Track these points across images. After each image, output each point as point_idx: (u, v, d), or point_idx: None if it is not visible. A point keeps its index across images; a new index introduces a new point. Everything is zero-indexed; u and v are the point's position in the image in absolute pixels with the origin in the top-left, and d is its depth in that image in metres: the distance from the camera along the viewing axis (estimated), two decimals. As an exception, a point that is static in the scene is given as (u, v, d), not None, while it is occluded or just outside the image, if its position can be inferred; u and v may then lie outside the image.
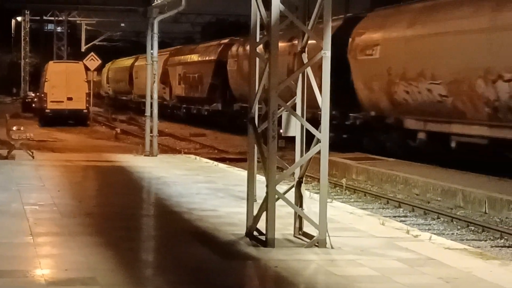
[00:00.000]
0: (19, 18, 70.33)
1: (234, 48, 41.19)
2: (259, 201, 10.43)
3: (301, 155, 10.40)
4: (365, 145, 26.33)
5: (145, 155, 23.15)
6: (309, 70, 10.37)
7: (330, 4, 9.94)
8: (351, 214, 13.03)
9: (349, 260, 9.37)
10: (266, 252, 9.66)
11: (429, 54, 22.59)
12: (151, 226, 12.22)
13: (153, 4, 23.47)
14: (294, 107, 10.48)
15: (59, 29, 71.74)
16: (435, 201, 18.30)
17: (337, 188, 20.14)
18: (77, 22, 71.08)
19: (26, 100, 55.12)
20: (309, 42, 10.58)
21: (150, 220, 12.68)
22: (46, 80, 42.01)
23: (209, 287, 8.25)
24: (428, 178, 19.40)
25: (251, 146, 10.72)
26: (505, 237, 14.21)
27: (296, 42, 11.48)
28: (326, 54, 10.02)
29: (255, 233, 10.35)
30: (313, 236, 10.05)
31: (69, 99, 41.36)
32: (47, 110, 41.67)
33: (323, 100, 9.97)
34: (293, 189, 10.55)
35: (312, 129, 10.07)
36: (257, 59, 10.83)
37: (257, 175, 11.57)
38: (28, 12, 65.56)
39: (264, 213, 9.98)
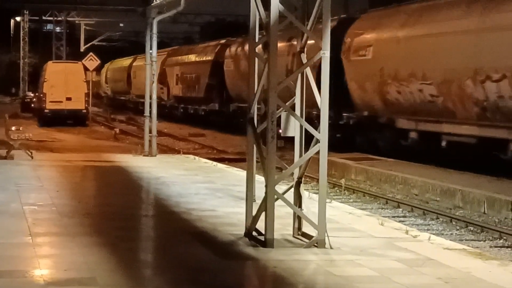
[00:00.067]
0: (18, 18, 70.32)
1: (230, 49, 41.42)
2: (258, 201, 10.43)
3: (300, 155, 10.40)
4: (358, 145, 26.64)
5: (144, 155, 23.15)
6: (308, 70, 10.37)
7: (329, 5, 9.94)
8: (350, 214, 13.03)
9: (348, 260, 9.37)
10: (265, 252, 9.66)
11: (420, 55, 22.94)
12: (150, 226, 12.22)
13: (152, 4, 23.46)
14: (293, 107, 10.47)
15: (58, 29, 71.73)
16: (434, 201, 18.30)
17: (336, 188, 20.14)
18: (76, 22, 71.10)
19: (25, 100, 55.11)
20: (308, 42, 10.59)
21: (149, 220, 12.68)
22: (45, 80, 42.00)
23: (208, 287, 8.25)
24: (427, 178, 19.40)
25: (250, 146, 10.72)
26: (504, 237, 14.22)
27: (295, 42, 11.48)
28: (325, 54, 10.01)
29: (254, 233, 10.34)
30: (312, 236, 10.05)
31: (68, 99, 41.36)
32: (46, 110, 41.66)
33: (322, 100, 9.97)
34: (292, 189, 10.55)
35: (311, 129, 10.07)
36: (256, 59, 10.82)
37: (256, 175, 11.57)
38: (27, 12, 65.55)
39: (263, 213, 9.98)
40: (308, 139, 10.28)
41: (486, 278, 8.61)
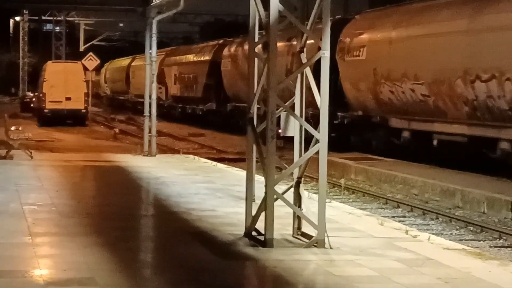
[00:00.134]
0: (17, 18, 70.28)
1: (227, 49, 41.73)
2: (258, 201, 10.42)
3: (300, 155, 10.40)
4: (353, 144, 26.88)
5: (143, 155, 23.14)
6: (308, 70, 10.37)
7: (329, 5, 9.94)
8: (350, 214, 13.03)
9: (348, 260, 9.37)
10: (265, 252, 9.66)
11: (412, 56, 23.34)
12: (150, 226, 12.22)
13: (151, 4, 23.45)
14: (292, 107, 10.47)
15: (57, 29, 71.73)
16: (433, 201, 18.30)
17: (336, 188, 20.14)
18: (76, 22, 71.03)
19: (25, 100, 55.08)
20: (307, 42, 10.58)
21: (148, 220, 12.68)
22: (45, 80, 41.98)
23: (208, 287, 8.25)
24: (427, 178, 19.40)
25: (249, 146, 10.72)
26: (504, 237, 14.22)
27: (294, 42, 11.49)
28: (325, 54, 10.01)
29: (253, 233, 10.34)
30: (312, 236, 10.04)
31: (68, 99, 41.35)
32: (45, 110, 41.65)
33: (322, 100, 9.97)
34: (292, 189, 10.55)
35: (311, 129, 10.07)
36: (256, 59, 10.81)
37: (256, 175, 11.57)
38: (27, 12, 65.51)
39: (263, 213, 9.98)
40: (308, 139, 10.27)
41: (486, 278, 8.61)
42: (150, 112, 23.50)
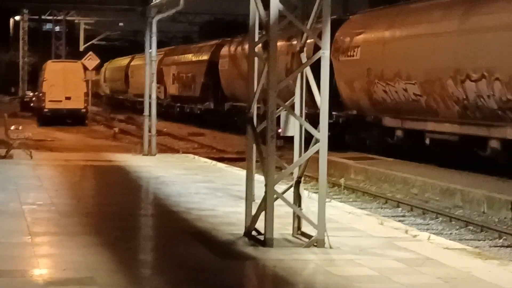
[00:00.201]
0: (17, 18, 70.20)
1: (225, 49, 42.03)
2: (258, 200, 10.42)
3: (300, 155, 10.39)
4: (348, 143, 27.08)
5: (143, 155, 23.14)
6: (308, 70, 10.36)
7: (329, 4, 9.93)
8: (350, 213, 13.02)
9: (348, 260, 9.36)
10: (265, 252, 9.65)
11: (404, 56, 23.79)
12: (150, 226, 12.21)
13: (151, 4, 23.45)
14: (292, 107, 10.46)
15: (57, 28, 71.68)
16: (433, 201, 18.29)
17: (336, 187, 20.14)
18: (76, 21, 71.08)
19: (25, 100, 55.08)
20: (307, 41, 10.57)
21: (148, 219, 12.67)
22: (45, 79, 41.98)
23: (208, 287, 8.24)
24: (426, 178, 19.40)
25: (249, 146, 10.71)
26: (504, 237, 14.22)
27: (294, 41, 11.47)
28: (325, 54, 10.01)
29: (253, 232, 10.34)
30: (312, 236, 10.04)
31: (68, 98, 41.35)
32: (45, 110, 41.64)
33: (322, 99, 9.97)
34: (292, 188, 10.54)
35: (311, 129, 10.06)
36: (256, 59, 10.80)
37: (256, 175, 11.56)
38: (27, 12, 65.46)
39: (263, 213, 9.97)
40: (308, 139, 10.27)
41: (486, 278, 8.60)
42: (150, 112, 23.50)
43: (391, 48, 24.62)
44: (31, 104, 50.68)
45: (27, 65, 67.30)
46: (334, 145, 25.84)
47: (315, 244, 9.96)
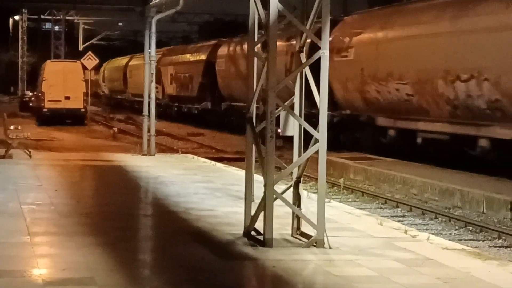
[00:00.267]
0: (16, 17, 70.24)
1: (222, 49, 42.40)
2: (257, 200, 10.41)
3: (299, 155, 10.39)
4: (342, 142, 27.30)
5: (142, 155, 23.14)
6: (307, 70, 10.36)
7: (328, 4, 9.93)
8: (349, 214, 13.02)
9: (347, 260, 9.36)
10: (264, 252, 9.65)
11: (396, 56, 24.27)
12: (149, 226, 12.20)
13: (150, 4, 23.45)
14: (292, 107, 10.46)
15: (56, 28, 71.67)
16: (433, 201, 18.30)
17: (335, 188, 20.14)
18: (75, 21, 71.08)
19: (24, 99, 55.08)
20: (307, 41, 10.56)
21: (148, 220, 12.66)
22: (44, 79, 41.97)
23: (207, 287, 8.24)
24: (426, 178, 19.40)
25: (249, 146, 10.71)
26: (503, 237, 14.22)
27: (293, 41, 11.47)
28: (324, 54, 10.00)
29: (253, 233, 10.33)
30: (311, 236, 10.03)
31: (67, 98, 41.36)
32: (44, 109, 41.64)
33: (321, 99, 9.97)
34: (291, 189, 10.54)
35: (310, 129, 10.06)
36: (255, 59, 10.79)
37: (255, 175, 11.56)
38: (26, 11, 65.49)
39: (262, 213, 9.97)
40: (307, 139, 10.26)
41: (485, 278, 8.60)
42: (149, 112, 23.50)
43: (384, 49, 25.02)
44: (30, 104, 50.69)
45: (26, 64, 67.37)
46: (329, 144, 26.19)
47: (314, 244, 9.96)
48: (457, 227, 15.37)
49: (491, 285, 8.36)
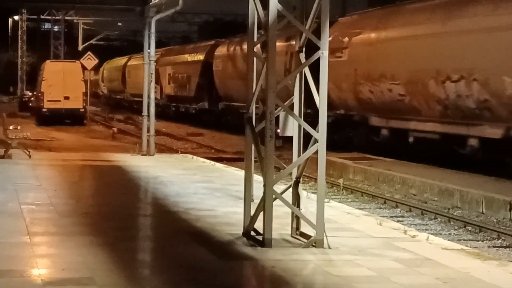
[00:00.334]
0: (16, 17, 70.25)
1: (219, 49, 42.73)
2: (257, 201, 10.41)
3: (299, 155, 10.39)
4: (336, 141, 27.48)
5: (142, 155, 23.14)
6: (307, 70, 10.36)
7: (328, 4, 9.93)
8: (349, 214, 13.02)
9: (347, 260, 9.36)
10: (263, 252, 9.65)
11: (389, 57, 24.73)
12: (148, 226, 12.20)
13: (150, 4, 23.44)
14: (291, 107, 10.46)
15: (56, 28, 71.68)
16: (432, 201, 18.30)
17: (334, 188, 20.14)
18: (74, 21, 71.06)
19: (23, 99, 55.08)
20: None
21: (147, 220, 12.66)
22: (43, 79, 41.97)
23: (207, 287, 8.24)
24: (425, 178, 19.41)
25: (248, 146, 10.70)
26: (503, 238, 14.22)
27: (293, 42, 11.47)
28: (324, 54, 10.00)
29: (252, 233, 10.33)
30: (311, 236, 10.03)
31: (66, 98, 41.37)
32: (44, 109, 41.65)
33: (321, 100, 9.97)
34: (291, 189, 10.54)
35: (310, 129, 10.06)
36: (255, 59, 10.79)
37: (255, 175, 11.56)
38: (25, 11, 65.48)
39: (262, 213, 9.97)
40: (307, 139, 10.26)
41: (485, 279, 8.60)
42: (148, 112, 23.49)
43: (377, 50, 25.44)
44: (30, 104, 50.69)
45: (25, 64, 67.38)
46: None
47: (313, 244, 9.96)
48: (456, 227, 15.38)
49: (490, 285, 8.36)
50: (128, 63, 63.56)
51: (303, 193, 10.64)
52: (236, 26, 65.09)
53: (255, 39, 10.69)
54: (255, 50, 10.72)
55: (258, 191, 10.86)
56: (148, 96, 23.45)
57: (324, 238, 9.96)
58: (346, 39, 27.49)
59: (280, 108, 10.18)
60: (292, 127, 10.42)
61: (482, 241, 14.20)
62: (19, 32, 67.31)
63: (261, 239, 9.96)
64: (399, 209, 17.47)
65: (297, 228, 10.56)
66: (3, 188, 15.12)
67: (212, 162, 21.62)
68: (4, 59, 78.14)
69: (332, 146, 26.77)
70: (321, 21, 9.94)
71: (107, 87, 75.19)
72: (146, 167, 19.78)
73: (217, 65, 42.14)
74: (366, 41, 26.32)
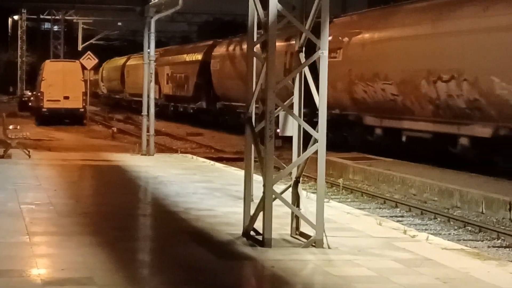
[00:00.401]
0: (15, 17, 70.25)
1: (217, 49, 42.96)
2: (256, 200, 10.41)
3: (298, 155, 10.38)
4: (332, 141, 27.69)
5: (142, 154, 23.14)
6: (306, 70, 10.35)
7: (327, 4, 9.93)
8: (348, 214, 13.02)
9: (346, 260, 9.36)
10: (263, 252, 9.64)
11: (382, 57, 25.13)
12: (148, 226, 12.20)
13: (150, 3, 23.45)
14: (291, 107, 10.45)
15: (56, 28, 71.69)
16: (432, 201, 18.30)
17: (334, 188, 20.13)
18: (74, 21, 71.00)
19: (23, 99, 55.08)
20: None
21: (147, 219, 12.66)
22: (43, 79, 41.98)
23: (206, 287, 8.23)
24: (425, 178, 19.40)
25: (248, 146, 10.70)
26: (502, 238, 14.22)
27: (292, 41, 11.47)
28: (324, 54, 10.00)
29: (252, 233, 10.33)
30: (310, 236, 10.03)
31: (66, 98, 41.38)
32: (43, 109, 41.65)
33: (320, 100, 9.97)
34: (290, 189, 10.53)
35: (310, 129, 10.06)
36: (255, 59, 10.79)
37: (254, 175, 11.55)
38: (25, 11, 65.47)
39: (261, 213, 9.96)
40: (307, 139, 10.26)
41: (485, 279, 8.60)
42: (148, 111, 23.49)
43: (370, 50, 25.85)
44: (30, 104, 50.68)
45: (25, 64, 67.36)
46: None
47: (313, 244, 9.96)
48: (456, 227, 15.37)
49: (490, 285, 8.36)
50: (127, 63, 63.63)
51: (302, 193, 10.64)
52: (236, 26, 65.11)
53: (255, 39, 10.68)
54: (255, 50, 10.72)
55: (258, 191, 10.86)
56: (148, 96, 23.44)
57: (324, 238, 9.95)
58: (341, 39, 27.78)
59: (279, 108, 10.18)
60: (292, 127, 10.42)
61: (482, 241, 14.20)
62: (19, 32, 67.31)
63: (260, 239, 9.96)
64: (398, 209, 17.47)
65: (297, 228, 10.56)
66: (3, 188, 15.11)
67: (212, 162, 21.61)
68: (4, 58, 78.15)
69: (328, 145, 27.05)
70: (321, 21, 9.94)
71: (107, 87, 75.28)
72: (145, 167, 19.77)
73: (215, 65, 42.32)
74: (360, 41, 26.70)
